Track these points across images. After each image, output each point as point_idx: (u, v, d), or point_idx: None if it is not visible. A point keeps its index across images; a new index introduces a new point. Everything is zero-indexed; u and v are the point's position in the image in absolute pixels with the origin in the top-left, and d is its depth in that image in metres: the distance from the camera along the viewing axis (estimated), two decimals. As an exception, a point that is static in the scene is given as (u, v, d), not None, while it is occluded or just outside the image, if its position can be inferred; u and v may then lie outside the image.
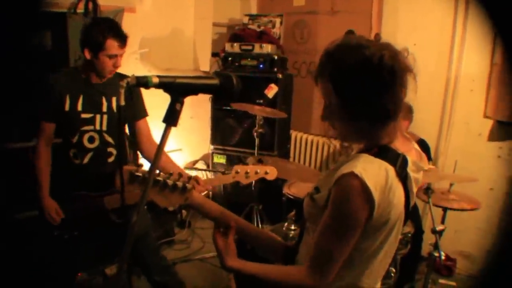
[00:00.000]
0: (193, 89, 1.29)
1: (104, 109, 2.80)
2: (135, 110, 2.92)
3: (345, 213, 1.38)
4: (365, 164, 1.39)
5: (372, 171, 1.37)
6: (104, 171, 2.85)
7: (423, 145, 3.89)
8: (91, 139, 2.80)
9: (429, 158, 3.97)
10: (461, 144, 4.26)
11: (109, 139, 2.85)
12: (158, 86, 1.22)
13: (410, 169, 1.51)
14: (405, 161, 1.49)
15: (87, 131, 2.78)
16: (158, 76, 1.22)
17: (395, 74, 1.37)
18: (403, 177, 1.47)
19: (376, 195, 1.34)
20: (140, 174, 1.61)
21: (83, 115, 2.76)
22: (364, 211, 1.36)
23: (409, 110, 3.63)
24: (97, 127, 2.79)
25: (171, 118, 1.26)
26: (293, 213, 3.42)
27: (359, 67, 1.37)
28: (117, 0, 4.66)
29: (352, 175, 1.35)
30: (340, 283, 1.50)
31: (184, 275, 4.11)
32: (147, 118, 3.02)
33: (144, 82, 1.20)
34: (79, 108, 2.74)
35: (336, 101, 1.43)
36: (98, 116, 2.79)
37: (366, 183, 1.33)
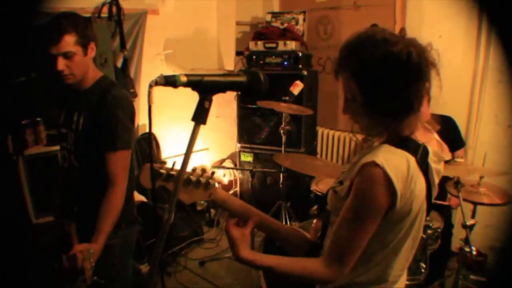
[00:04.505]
0: (221, 86, 1.29)
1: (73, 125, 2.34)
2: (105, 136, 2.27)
3: (366, 200, 1.38)
4: (387, 154, 1.39)
5: (394, 161, 1.37)
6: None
7: (451, 124, 3.80)
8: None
9: (460, 139, 3.89)
10: (490, 136, 4.18)
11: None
12: (186, 84, 1.22)
13: (431, 159, 1.51)
14: (426, 151, 1.50)
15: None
16: (186, 75, 1.22)
17: (421, 70, 1.37)
18: (424, 167, 1.47)
19: (398, 184, 1.34)
20: (164, 171, 1.62)
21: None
22: (385, 200, 1.36)
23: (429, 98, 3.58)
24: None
25: (200, 116, 1.26)
26: (314, 207, 3.41)
27: (386, 63, 1.36)
28: (140, 3, 4.72)
29: (374, 164, 1.35)
30: (365, 276, 1.50)
31: (213, 274, 4.16)
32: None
33: (172, 81, 1.20)
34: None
35: (359, 96, 1.42)
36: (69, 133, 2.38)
37: (388, 172, 1.33)
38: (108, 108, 2.22)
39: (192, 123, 1.27)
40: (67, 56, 2.15)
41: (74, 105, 2.34)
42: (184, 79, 1.21)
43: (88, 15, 3.87)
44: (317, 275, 1.45)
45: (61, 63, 2.15)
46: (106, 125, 2.22)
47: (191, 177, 1.60)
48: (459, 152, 3.77)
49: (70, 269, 2.00)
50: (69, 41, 2.13)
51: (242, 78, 1.32)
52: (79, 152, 2.34)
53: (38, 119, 3.62)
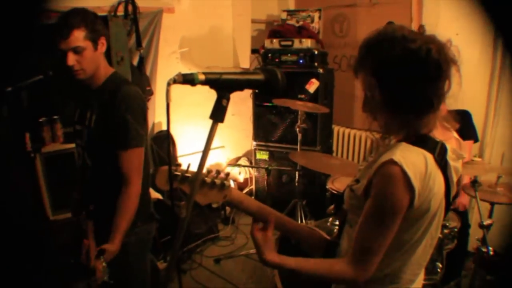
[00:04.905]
0: (239, 84, 1.28)
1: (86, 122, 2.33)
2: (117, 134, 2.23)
3: (387, 199, 1.37)
4: (404, 152, 1.38)
5: (411, 158, 1.37)
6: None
7: (465, 116, 3.71)
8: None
9: (472, 132, 3.75)
10: (508, 135, 4.12)
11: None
12: (204, 82, 1.22)
13: (449, 157, 1.49)
14: (444, 149, 1.48)
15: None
16: (204, 73, 1.22)
17: (441, 67, 1.36)
18: (443, 165, 1.45)
19: (416, 182, 1.34)
20: (179, 173, 1.62)
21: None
22: (405, 197, 1.35)
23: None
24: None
25: (218, 114, 1.25)
26: (332, 206, 3.40)
27: (406, 61, 1.35)
28: (156, 1, 4.73)
29: (392, 162, 1.35)
30: (381, 274, 1.49)
31: (228, 271, 4.16)
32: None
33: (190, 79, 1.20)
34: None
35: (379, 94, 1.41)
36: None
37: (406, 170, 1.33)
38: (119, 105, 2.18)
39: (208, 121, 1.26)
40: (77, 51, 2.12)
41: (87, 102, 2.32)
42: (202, 77, 1.21)
43: (104, 13, 3.89)
44: (343, 275, 1.45)
45: (71, 58, 2.12)
46: (118, 122, 2.18)
47: (206, 178, 1.60)
48: (468, 142, 3.65)
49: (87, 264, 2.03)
50: (79, 36, 2.10)
51: (260, 76, 1.31)
52: (91, 150, 2.32)
53: (55, 117, 3.66)
